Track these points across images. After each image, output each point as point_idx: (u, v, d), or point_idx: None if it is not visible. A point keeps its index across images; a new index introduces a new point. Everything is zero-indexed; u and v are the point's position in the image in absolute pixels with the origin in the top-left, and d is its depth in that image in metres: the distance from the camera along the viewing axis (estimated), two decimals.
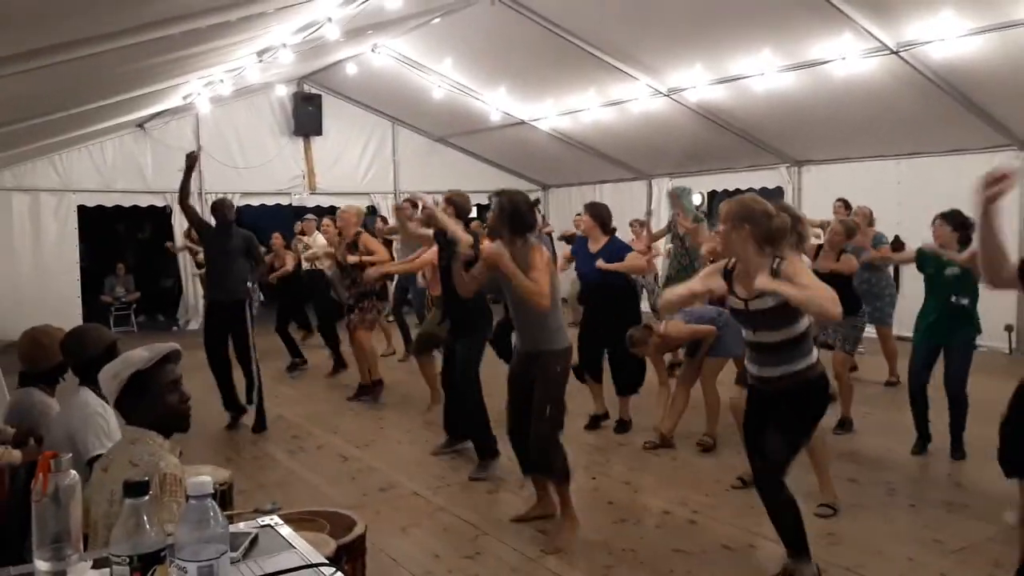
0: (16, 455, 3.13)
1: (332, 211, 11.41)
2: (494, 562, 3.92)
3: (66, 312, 10.13)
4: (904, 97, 8.15)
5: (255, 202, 12.90)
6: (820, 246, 6.04)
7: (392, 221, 10.94)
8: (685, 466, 5.36)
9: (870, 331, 7.07)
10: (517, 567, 3.86)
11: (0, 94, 4.47)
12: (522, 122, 12.05)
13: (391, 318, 9.63)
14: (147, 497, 1.38)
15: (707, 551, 4.00)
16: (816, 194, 10.44)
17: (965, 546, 3.97)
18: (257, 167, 12.73)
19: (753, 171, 11.44)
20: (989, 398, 5.53)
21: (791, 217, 3.31)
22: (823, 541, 3.88)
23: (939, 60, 7.43)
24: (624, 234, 7.71)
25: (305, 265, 9.33)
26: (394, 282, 9.74)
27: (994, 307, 7.23)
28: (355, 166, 13.67)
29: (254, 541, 1.78)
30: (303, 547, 1.77)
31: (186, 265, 12.35)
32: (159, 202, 12.30)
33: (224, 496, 3.38)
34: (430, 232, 5.75)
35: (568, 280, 11.23)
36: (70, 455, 1.55)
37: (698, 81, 9.24)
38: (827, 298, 3.02)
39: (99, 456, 2.59)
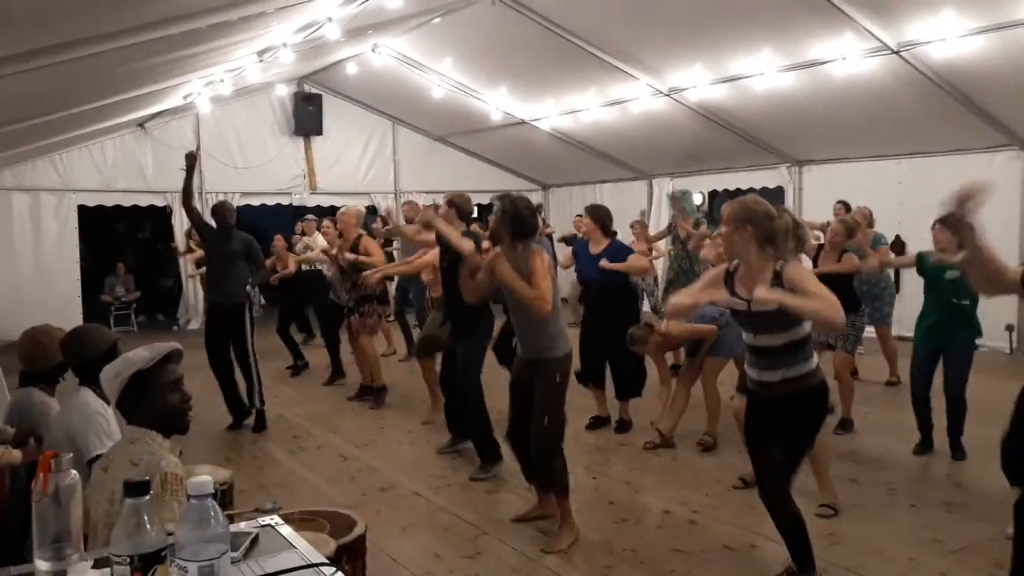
0: (16, 455, 3.13)
1: (333, 211, 11.43)
2: (494, 562, 3.92)
3: (66, 312, 10.14)
4: (905, 97, 8.15)
5: (255, 202, 12.90)
6: (821, 246, 6.05)
7: (396, 221, 10.95)
8: (686, 466, 5.36)
9: (870, 331, 7.08)
10: (517, 567, 3.86)
11: (1, 94, 4.47)
12: (522, 122, 12.05)
13: (392, 318, 9.63)
14: (148, 497, 1.38)
15: (708, 551, 4.00)
16: (817, 194, 10.45)
17: (965, 546, 3.97)
18: (257, 167, 12.73)
19: (754, 171, 11.43)
20: (990, 398, 5.53)
21: (791, 220, 3.31)
22: (823, 541, 3.87)
23: (940, 60, 7.42)
24: (624, 236, 7.70)
25: (304, 266, 9.33)
26: (394, 283, 9.75)
27: (995, 307, 7.23)
28: (355, 166, 13.67)
29: (255, 541, 1.78)
30: (303, 547, 1.76)
31: (187, 265, 12.33)
32: (159, 202, 12.31)
33: (224, 496, 3.38)
34: (431, 236, 5.75)
35: (568, 280, 11.26)
36: (71, 455, 1.55)
37: (699, 81, 9.23)
38: (831, 307, 3.01)
39: (100, 456, 2.59)
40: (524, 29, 8.77)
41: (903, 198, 9.41)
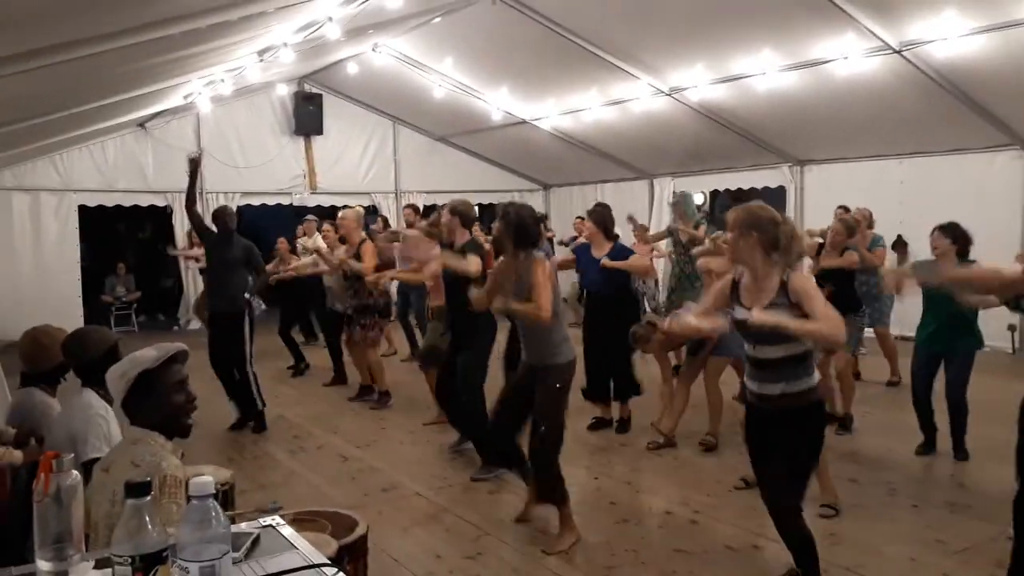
0: (17, 455, 3.13)
1: (333, 211, 11.44)
2: (496, 562, 3.92)
3: (67, 312, 10.14)
4: (906, 96, 8.15)
5: (256, 202, 12.91)
6: (822, 245, 6.04)
7: (396, 225, 10.94)
8: (687, 466, 5.35)
9: (869, 331, 7.07)
10: (519, 567, 3.86)
11: (1, 94, 4.46)
12: (523, 121, 12.04)
13: (393, 318, 9.62)
14: (149, 498, 1.37)
15: (709, 551, 3.99)
16: (818, 193, 10.45)
17: (968, 546, 3.96)
18: (258, 167, 12.72)
19: (755, 170, 11.43)
20: (992, 398, 5.53)
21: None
22: (825, 541, 3.86)
23: (941, 60, 7.42)
24: (625, 237, 7.69)
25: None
26: (395, 285, 9.73)
27: (998, 307, 7.22)
28: (356, 166, 13.66)
29: (256, 541, 1.77)
30: (305, 547, 1.76)
31: (187, 265, 12.34)
32: (160, 202, 12.30)
33: (226, 496, 3.37)
34: (434, 247, 5.77)
35: (568, 281, 11.26)
36: (72, 455, 1.55)
37: (700, 80, 9.23)
38: (832, 327, 3.02)
39: (95, 460, 2.58)
40: (525, 29, 8.77)
41: (905, 198, 9.41)
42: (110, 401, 2.99)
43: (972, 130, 8.48)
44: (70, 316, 9.89)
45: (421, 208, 11.31)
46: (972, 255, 5.32)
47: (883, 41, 7.40)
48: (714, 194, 12.60)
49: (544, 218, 4.75)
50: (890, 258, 8.02)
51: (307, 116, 12.91)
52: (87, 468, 2.57)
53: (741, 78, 8.85)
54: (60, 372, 3.57)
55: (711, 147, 10.98)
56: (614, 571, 3.81)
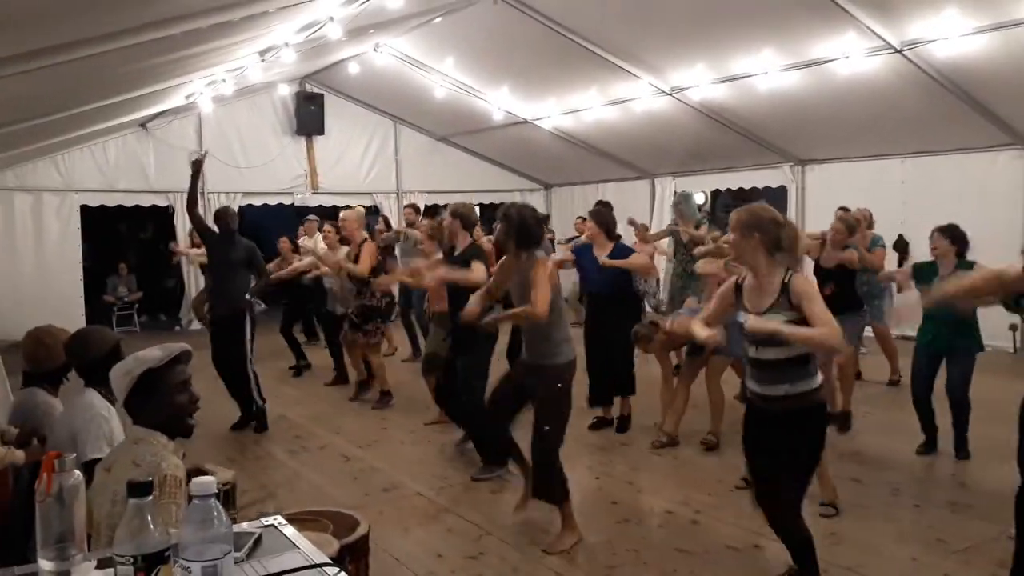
0: (20, 455, 3.14)
1: (335, 211, 11.45)
2: (497, 562, 3.92)
3: (69, 312, 10.13)
4: (908, 96, 8.14)
5: (257, 202, 12.91)
6: (823, 243, 6.04)
7: (397, 224, 10.94)
8: (688, 466, 5.35)
9: (870, 332, 7.08)
10: (520, 567, 3.86)
11: (2, 94, 4.47)
12: (525, 121, 12.04)
13: (394, 318, 9.62)
14: (151, 497, 1.38)
15: (710, 551, 3.99)
16: (820, 193, 10.44)
17: (969, 546, 3.96)
18: (259, 167, 12.72)
19: (756, 170, 11.42)
20: (994, 398, 5.52)
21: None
22: (826, 541, 3.86)
23: (943, 59, 7.41)
24: (627, 237, 7.68)
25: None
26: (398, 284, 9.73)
27: (998, 306, 7.21)
28: (357, 166, 13.66)
29: (258, 541, 1.77)
30: (307, 547, 1.76)
31: (189, 265, 12.34)
32: (161, 202, 12.31)
33: (227, 496, 3.38)
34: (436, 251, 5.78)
35: (569, 281, 11.25)
36: (74, 455, 1.55)
37: (701, 80, 9.22)
38: (829, 334, 3.01)
39: (97, 459, 2.58)
40: (526, 28, 8.76)
41: (906, 197, 9.40)
42: (112, 401, 3.00)
43: (974, 130, 8.47)
44: (72, 316, 9.89)
45: (422, 208, 11.32)
46: (974, 255, 5.33)
47: (884, 40, 7.39)
48: (715, 194, 12.60)
49: (547, 218, 4.75)
50: (891, 258, 8.01)
51: (308, 116, 12.91)
52: (89, 468, 2.57)
53: (742, 78, 8.84)
54: (62, 372, 3.58)
55: (712, 147, 10.97)
56: (615, 571, 3.81)
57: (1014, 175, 8.70)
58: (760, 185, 11.68)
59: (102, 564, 1.55)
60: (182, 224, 11.96)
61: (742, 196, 11.82)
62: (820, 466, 4.32)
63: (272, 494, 4.93)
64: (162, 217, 13.37)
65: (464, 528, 4.37)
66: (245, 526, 1.87)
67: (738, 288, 3.32)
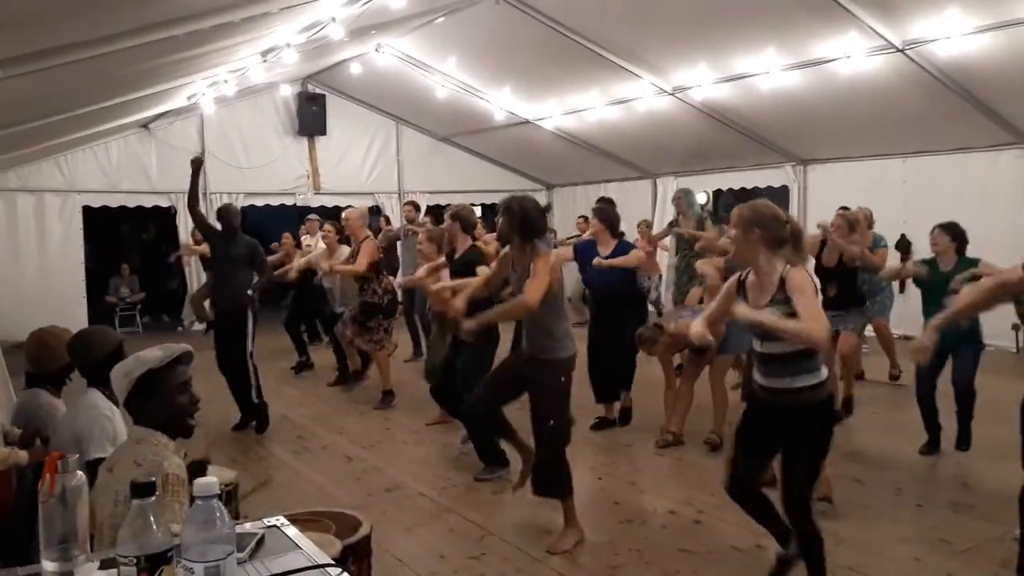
0: (23, 456, 3.14)
1: (337, 211, 11.46)
2: (499, 562, 3.92)
3: (71, 313, 10.16)
4: (910, 95, 8.13)
5: (259, 202, 12.91)
6: (823, 242, 6.04)
7: (397, 223, 10.96)
8: (691, 466, 5.35)
9: (869, 330, 7.08)
10: (522, 567, 3.86)
11: (4, 95, 4.47)
12: (526, 121, 12.04)
13: (398, 315, 9.62)
14: (154, 498, 1.38)
15: (713, 551, 3.99)
16: (822, 193, 10.43)
17: (972, 546, 3.95)
18: (261, 167, 12.74)
19: (758, 170, 11.42)
20: (996, 398, 5.51)
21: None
22: (828, 541, 3.82)
23: (945, 58, 7.40)
24: (631, 236, 7.69)
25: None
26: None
27: (1000, 306, 7.21)
28: (359, 166, 13.67)
29: (260, 541, 1.78)
30: (309, 548, 1.77)
31: (191, 266, 12.36)
32: (164, 202, 12.33)
33: (230, 497, 3.38)
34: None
35: (571, 281, 11.26)
36: (77, 456, 1.56)
37: (703, 80, 9.22)
38: (814, 329, 2.99)
39: (99, 459, 2.59)
40: (528, 28, 8.77)
41: (908, 197, 9.39)
42: (115, 401, 3.00)
43: (976, 129, 8.46)
44: (74, 317, 9.91)
45: (424, 208, 11.32)
46: (976, 255, 5.33)
47: (886, 40, 7.38)
48: (717, 193, 12.59)
49: (548, 208, 4.73)
50: (894, 258, 8.00)
51: (310, 116, 12.92)
52: (92, 468, 2.58)
53: (744, 77, 8.84)
54: (65, 373, 3.58)
55: (714, 146, 10.97)
56: (618, 571, 3.81)
57: (1016, 175, 8.69)
58: (762, 185, 11.67)
59: (105, 565, 1.55)
60: (184, 225, 11.98)
61: (744, 196, 11.79)
62: None
63: (267, 480, 4.93)
64: (164, 218, 13.38)
65: (466, 528, 4.37)
66: (248, 527, 1.87)
67: (741, 285, 3.33)
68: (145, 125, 11.79)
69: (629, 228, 8.18)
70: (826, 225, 5.96)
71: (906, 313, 7.55)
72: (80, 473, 1.53)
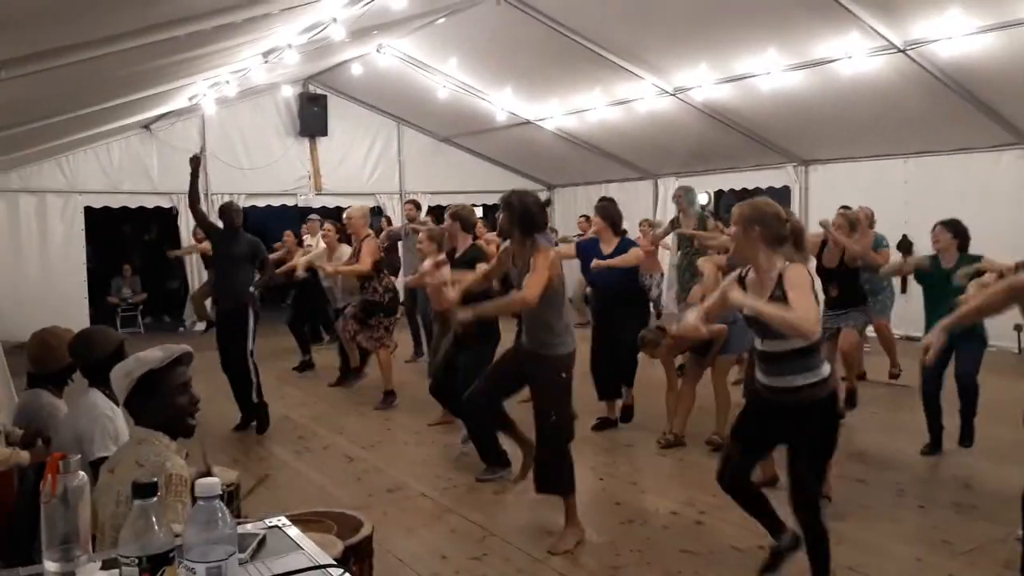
0: (24, 456, 3.15)
1: (338, 211, 11.46)
2: (501, 563, 3.92)
3: (73, 314, 10.15)
4: (911, 96, 8.13)
5: (261, 203, 12.91)
6: (824, 242, 6.04)
7: (399, 224, 10.96)
8: (693, 466, 5.34)
9: (871, 330, 7.08)
10: (524, 568, 3.86)
11: (6, 96, 4.48)
12: (528, 122, 12.05)
13: (400, 315, 9.62)
14: (156, 498, 1.38)
15: (715, 552, 3.98)
16: (823, 193, 10.42)
17: (974, 547, 3.95)
18: (263, 168, 12.74)
19: (760, 170, 11.41)
20: (998, 398, 5.52)
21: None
22: (830, 541, 3.86)
23: (946, 58, 7.40)
24: (633, 237, 7.68)
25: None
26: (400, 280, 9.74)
27: None
28: (360, 166, 13.67)
29: (262, 542, 1.78)
30: (311, 548, 1.76)
31: (192, 266, 12.37)
32: (165, 203, 12.34)
33: (231, 497, 3.38)
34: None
35: (573, 281, 11.25)
36: (79, 456, 1.56)
37: (704, 80, 9.22)
38: (801, 319, 2.98)
39: (103, 459, 2.59)
40: (529, 29, 8.77)
41: (910, 197, 9.38)
42: (116, 401, 3.00)
43: (977, 129, 8.46)
44: (76, 318, 9.91)
45: (425, 209, 11.32)
46: (977, 255, 5.33)
47: (887, 40, 7.38)
48: (718, 194, 12.59)
49: (548, 203, 4.70)
50: (895, 258, 8.01)
51: (312, 117, 12.93)
52: (95, 467, 2.58)
53: (745, 78, 8.84)
54: (67, 373, 3.58)
55: (715, 147, 10.96)
56: (619, 571, 3.81)
57: (1018, 175, 8.68)
58: (763, 185, 11.66)
59: (107, 565, 1.55)
60: (186, 225, 11.99)
61: (745, 196, 11.58)
62: None
63: (265, 477, 4.92)
64: (166, 218, 13.40)
65: (468, 529, 4.37)
66: (249, 527, 1.87)
67: (740, 282, 3.34)
68: (147, 126, 11.80)
69: (630, 229, 8.18)
70: (828, 223, 5.96)
71: (907, 313, 7.55)
72: (82, 473, 1.53)
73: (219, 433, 6.33)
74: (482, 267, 5.15)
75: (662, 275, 10.07)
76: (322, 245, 8.79)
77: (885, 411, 6.55)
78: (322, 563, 1.67)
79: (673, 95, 9.77)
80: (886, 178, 9.73)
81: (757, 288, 3.23)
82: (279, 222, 13.19)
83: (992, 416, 5.30)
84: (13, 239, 11.29)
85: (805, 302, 3.04)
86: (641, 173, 13.00)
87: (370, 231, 7.34)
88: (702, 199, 9.63)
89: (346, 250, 8.01)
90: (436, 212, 12.44)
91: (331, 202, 13.19)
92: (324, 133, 13.13)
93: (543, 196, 12.99)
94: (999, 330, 7.55)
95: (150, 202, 12.31)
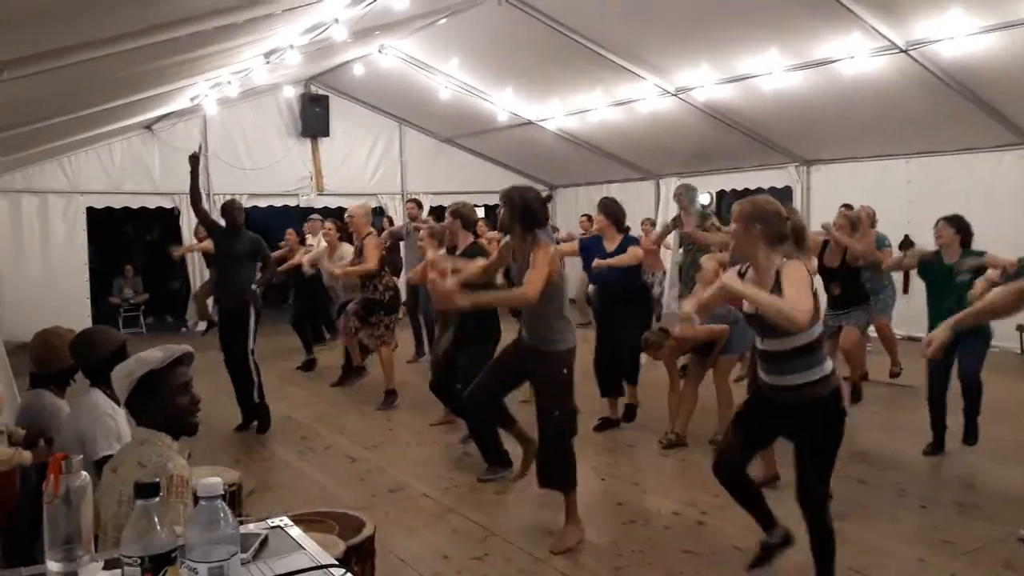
0: (27, 456, 3.15)
1: (340, 212, 11.46)
2: (503, 563, 3.92)
3: (75, 314, 10.18)
4: (913, 96, 8.12)
5: (263, 203, 12.93)
6: (826, 242, 6.04)
7: (400, 223, 10.96)
8: (694, 466, 5.33)
9: (872, 330, 7.08)
10: (525, 568, 3.86)
11: (8, 97, 4.49)
12: (529, 122, 12.05)
13: (402, 316, 9.62)
14: (158, 498, 1.38)
15: (717, 552, 3.98)
16: (825, 193, 10.41)
17: (976, 547, 3.94)
18: (264, 168, 12.76)
19: (762, 170, 11.41)
20: (1001, 398, 5.52)
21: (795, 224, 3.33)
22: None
23: (948, 59, 7.39)
24: (636, 232, 7.69)
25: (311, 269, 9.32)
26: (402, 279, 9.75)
27: None
28: (362, 167, 13.69)
29: (264, 542, 1.78)
30: (313, 548, 1.77)
31: (194, 266, 12.38)
32: (167, 203, 12.35)
33: (233, 497, 3.38)
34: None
35: (576, 280, 11.25)
36: (81, 456, 1.56)
37: (706, 80, 9.21)
38: (790, 307, 2.99)
39: (108, 457, 2.60)
40: (530, 29, 8.77)
41: (912, 197, 9.37)
42: (117, 401, 3.01)
43: (980, 129, 8.45)
44: (78, 318, 9.93)
45: (427, 209, 11.32)
46: (981, 251, 5.33)
47: (890, 40, 7.37)
48: (720, 194, 12.59)
49: (549, 198, 4.66)
50: (897, 258, 8.01)
51: (313, 118, 12.94)
52: (99, 467, 2.58)
53: (747, 78, 8.84)
54: (69, 374, 3.59)
55: (717, 147, 10.96)
56: (621, 572, 3.80)
57: (1020, 175, 8.67)
58: (765, 185, 11.65)
59: (109, 565, 1.56)
60: (188, 225, 12.01)
61: (747, 197, 11.79)
62: None
63: (269, 486, 4.94)
64: (168, 219, 13.41)
65: (470, 529, 4.37)
66: (251, 527, 1.87)
67: (740, 277, 3.34)
68: (148, 126, 11.82)
69: (633, 229, 8.18)
70: (830, 225, 5.96)
71: (909, 313, 7.54)
72: (84, 473, 1.54)
73: (221, 433, 6.34)
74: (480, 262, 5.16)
75: (664, 273, 10.08)
76: (323, 244, 8.80)
77: (886, 411, 6.54)
78: (324, 563, 1.67)
79: (675, 95, 9.76)
80: (888, 178, 9.73)
81: (756, 285, 3.24)
82: (281, 222, 13.20)
83: (994, 416, 5.29)
84: (15, 240, 11.30)
85: (798, 295, 3.04)
86: (643, 173, 13.00)
87: (372, 229, 7.35)
88: (703, 199, 9.61)
89: (347, 248, 8.03)
90: (438, 212, 12.44)
91: (333, 202, 13.20)
92: (326, 133, 13.14)
93: (544, 193, 12.99)
94: (1002, 331, 7.53)
95: (152, 202, 12.33)
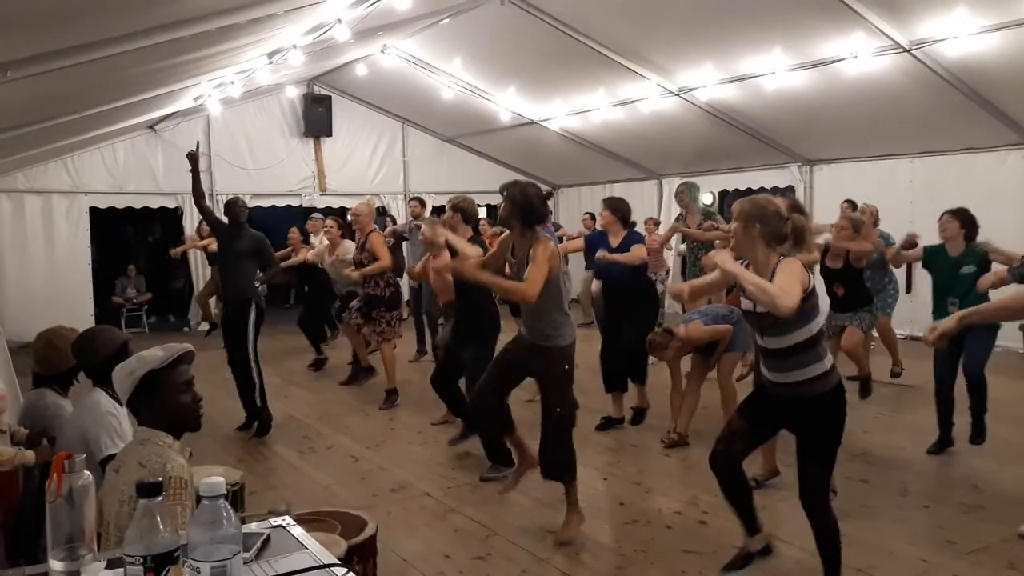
0: (30, 456, 3.16)
1: (343, 212, 11.47)
2: (504, 563, 3.92)
3: (78, 314, 10.19)
4: (917, 95, 8.11)
5: (265, 203, 12.93)
6: (827, 244, 6.04)
7: (402, 220, 10.98)
8: (696, 466, 5.32)
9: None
10: (527, 567, 3.86)
11: (12, 97, 4.49)
12: (532, 122, 12.05)
13: (406, 316, 9.63)
14: (161, 498, 1.38)
15: (718, 552, 3.97)
16: (828, 193, 10.40)
17: (980, 548, 3.93)
18: (267, 168, 12.77)
19: (764, 170, 11.39)
20: (1004, 398, 5.51)
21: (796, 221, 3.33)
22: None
23: (952, 58, 7.38)
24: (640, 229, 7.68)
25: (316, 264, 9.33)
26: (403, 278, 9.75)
27: None
28: (365, 167, 13.69)
29: (266, 541, 1.78)
30: (315, 547, 1.77)
31: (197, 266, 12.40)
32: (170, 203, 12.37)
33: (236, 497, 3.39)
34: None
35: (579, 280, 11.25)
36: (84, 456, 1.56)
37: (708, 80, 9.20)
38: (778, 291, 3.00)
39: (112, 456, 2.60)
40: (533, 29, 8.77)
41: (915, 197, 9.36)
42: (119, 401, 3.01)
43: (983, 129, 8.43)
44: (81, 318, 9.94)
45: (430, 208, 11.30)
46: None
47: (893, 40, 7.36)
48: (723, 194, 12.58)
49: (550, 195, 4.63)
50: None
51: (316, 118, 12.95)
52: (103, 466, 2.59)
53: (750, 78, 8.83)
54: (72, 373, 3.59)
55: (720, 147, 10.95)
56: (623, 571, 3.81)
57: (1023, 174, 8.65)
58: (768, 185, 11.63)
59: (112, 564, 1.56)
60: (191, 225, 12.02)
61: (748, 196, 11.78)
62: None
63: (272, 485, 4.94)
64: (171, 219, 13.43)
65: (472, 528, 4.37)
66: (254, 527, 1.88)
67: None
68: (152, 126, 11.83)
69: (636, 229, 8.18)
70: (829, 236, 5.95)
71: (911, 313, 7.54)
72: (87, 473, 1.54)
73: (223, 433, 6.35)
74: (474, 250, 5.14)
75: (668, 272, 10.07)
76: (325, 242, 8.82)
77: (888, 411, 6.53)
78: (326, 562, 1.67)
79: (677, 95, 9.76)
80: (891, 178, 9.71)
81: None
82: (284, 223, 13.21)
83: (998, 416, 5.28)
84: (19, 239, 11.31)
85: (788, 285, 3.06)
86: (646, 173, 12.99)
87: (375, 226, 7.38)
88: (706, 199, 9.61)
89: (349, 245, 8.06)
90: (440, 212, 12.44)
91: (336, 202, 13.21)
92: (329, 133, 13.15)
93: (545, 190, 12.97)
94: (1005, 331, 7.51)
95: (155, 202, 12.34)
